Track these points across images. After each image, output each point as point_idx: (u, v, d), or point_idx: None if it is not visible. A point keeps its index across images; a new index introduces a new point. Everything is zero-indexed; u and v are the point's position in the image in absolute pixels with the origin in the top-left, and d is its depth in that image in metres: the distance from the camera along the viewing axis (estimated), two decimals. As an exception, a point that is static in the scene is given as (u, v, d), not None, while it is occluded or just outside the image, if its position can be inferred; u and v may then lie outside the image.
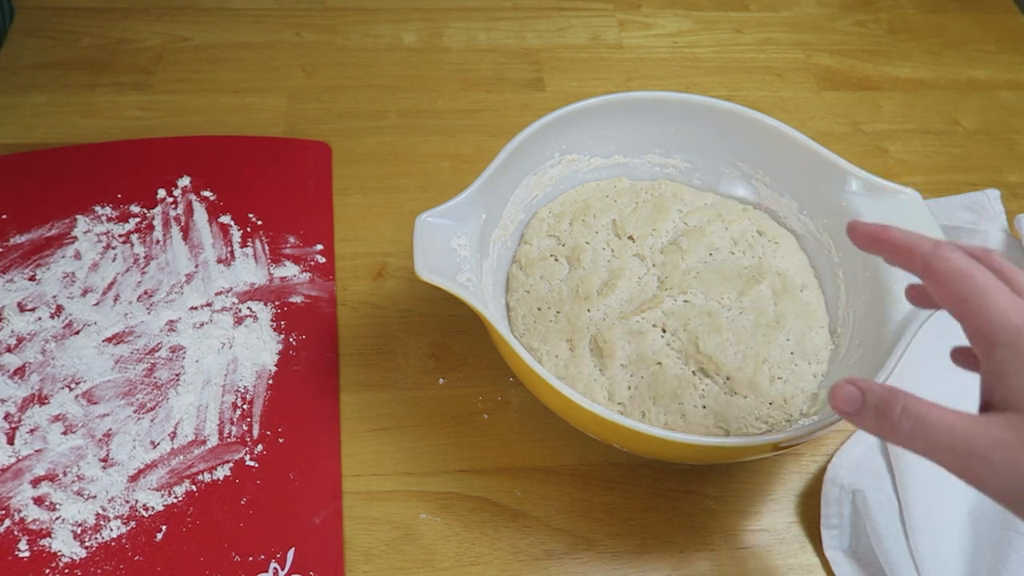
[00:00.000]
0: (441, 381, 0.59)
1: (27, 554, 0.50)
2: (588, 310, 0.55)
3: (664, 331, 0.54)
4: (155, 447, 0.54)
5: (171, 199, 0.66)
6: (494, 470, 0.56)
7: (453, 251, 0.50)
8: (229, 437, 0.55)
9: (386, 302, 0.63)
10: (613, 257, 0.58)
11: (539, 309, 0.56)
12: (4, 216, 0.64)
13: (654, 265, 0.58)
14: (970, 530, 0.52)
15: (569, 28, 0.85)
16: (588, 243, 0.59)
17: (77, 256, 0.62)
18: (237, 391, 0.57)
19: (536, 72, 0.81)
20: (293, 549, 0.51)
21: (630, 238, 0.59)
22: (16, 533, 0.50)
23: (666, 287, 0.56)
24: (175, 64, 0.78)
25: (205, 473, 0.53)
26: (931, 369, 0.59)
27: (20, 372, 0.56)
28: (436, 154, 0.73)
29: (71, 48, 0.79)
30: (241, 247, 0.64)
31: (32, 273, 0.61)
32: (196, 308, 0.60)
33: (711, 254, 0.58)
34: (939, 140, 0.79)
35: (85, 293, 0.60)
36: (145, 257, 0.63)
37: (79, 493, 0.52)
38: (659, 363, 0.53)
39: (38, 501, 0.51)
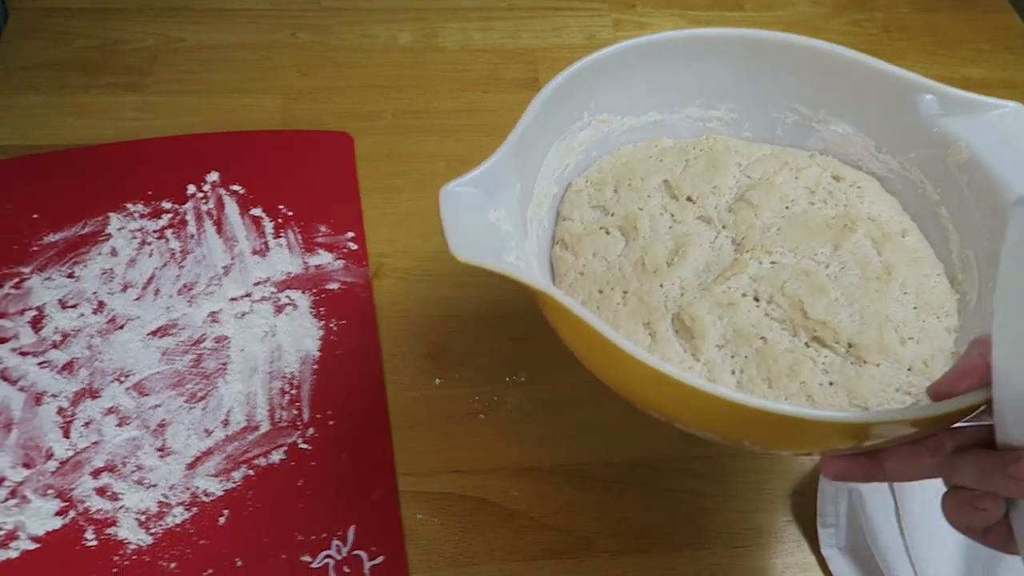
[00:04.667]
0: (437, 381, 0.61)
1: (95, 543, 0.54)
2: (660, 285, 0.49)
3: (757, 299, 0.48)
4: (209, 435, 0.58)
5: (201, 194, 0.69)
6: (491, 470, 0.57)
7: (492, 226, 0.44)
8: (280, 422, 0.59)
9: (382, 303, 0.65)
10: (675, 222, 0.52)
11: (600, 292, 0.50)
12: (36, 216, 0.67)
13: (724, 227, 0.52)
14: (966, 527, 0.54)
15: (564, 28, 0.87)
16: (642, 209, 0.52)
17: (113, 253, 0.66)
18: (284, 377, 0.61)
19: (532, 72, 0.83)
20: (353, 527, 0.55)
21: (688, 199, 0.53)
22: (82, 523, 0.54)
23: (746, 248, 0.50)
24: (170, 65, 0.79)
25: (260, 458, 0.58)
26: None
27: (68, 367, 0.60)
28: (432, 154, 0.75)
29: (65, 49, 0.79)
30: (274, 238, 0.68)
31: (70, 271, 0.64)
32: (236, 299, 0.64)
33: (787, 207, 0.52)
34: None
35: (125, 288, 0.64)
36: (181, 251, 0.66)
37: (139, 482, 0.56)
38: (762, 338, 0.46)
39: (100, 492, 0.56)
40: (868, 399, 0.44)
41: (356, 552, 0.54)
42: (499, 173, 0.45)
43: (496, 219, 0.44)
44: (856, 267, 0.49)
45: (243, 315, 0.64)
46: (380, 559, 0.54)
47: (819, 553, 0.55)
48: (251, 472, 0.57)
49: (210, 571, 0.54)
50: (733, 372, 0.46)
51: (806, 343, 0.46)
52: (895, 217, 0.52)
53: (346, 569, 0.54)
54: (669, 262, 0.50)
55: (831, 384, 0.45)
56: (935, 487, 0.51)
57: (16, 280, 0.64)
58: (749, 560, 0.54)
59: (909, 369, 0.45)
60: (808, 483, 0.58)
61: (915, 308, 0.48)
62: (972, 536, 0.35)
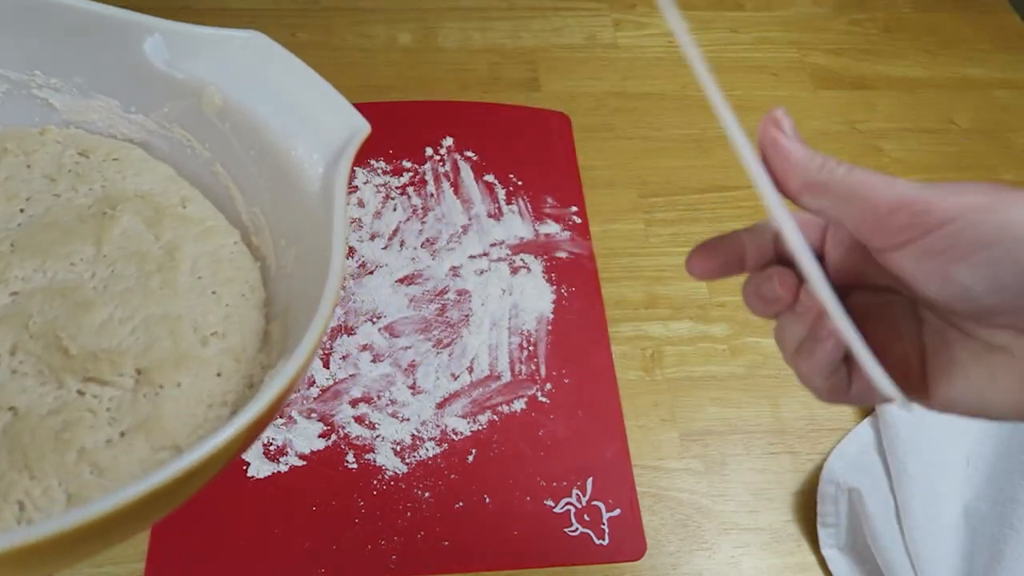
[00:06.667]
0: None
1: (355, 466, 0.56)
2: None
3: (12, 354, 0.33)
4: (456, 379, 0.60)
5: (438, 157, 0.72)
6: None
7: None
8: (520, 375, 0.61)
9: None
10: None
11: None
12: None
13: None
14: (965, 527, 0.53)
15: (564, 28, 0.85)
16: None
17: (361, 204, 0.68)
18: (521, 334, 0.63)
19: (531, 72, 0.81)
20: (591, 478, 0.57)
21: None
22: (343, 447, 0.57)
23: None
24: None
25: (503, 405, 0.59)
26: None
27: (324, 305, 0.63)
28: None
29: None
30: (507, 204, 0.69)
31: (319, 217, 0.67)
32: (475, 257, 0.66)
33: (22, 210, 0.38)
34: (934, 139, 0.79)
35: (373, 237, 0.66)
36: (423, 208, 0.68)
37: (394, 415, 0.58)
38: (11, 409, 0.32)
39: (359, 420, 0.58)
40: (177, 435, 0.33)
41: (595, 503, 0.56)
42: None
43: None
44: (130, 263, 0.37)
45: (482, 272, 0.66)
46: (617, 511, 0.56)
47: (819, 553, 0.55)
48: (495, 417, 0.59)
49: (460, 504, 0.56)
50: None
51: (79, 391, 0.33)
52: (171, 187, 0.41)
53: (586, 517, 0.55)
54: None
55: (123, 435, 0.32)
56: (935, 488, 0.53)
57: (271, 222, 0.66)
58: (749, 560, 0.54)
59: (218, 374, 0.35)
60: (808, 484, 0.58)
61: (214, 293, 0.38)
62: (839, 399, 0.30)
